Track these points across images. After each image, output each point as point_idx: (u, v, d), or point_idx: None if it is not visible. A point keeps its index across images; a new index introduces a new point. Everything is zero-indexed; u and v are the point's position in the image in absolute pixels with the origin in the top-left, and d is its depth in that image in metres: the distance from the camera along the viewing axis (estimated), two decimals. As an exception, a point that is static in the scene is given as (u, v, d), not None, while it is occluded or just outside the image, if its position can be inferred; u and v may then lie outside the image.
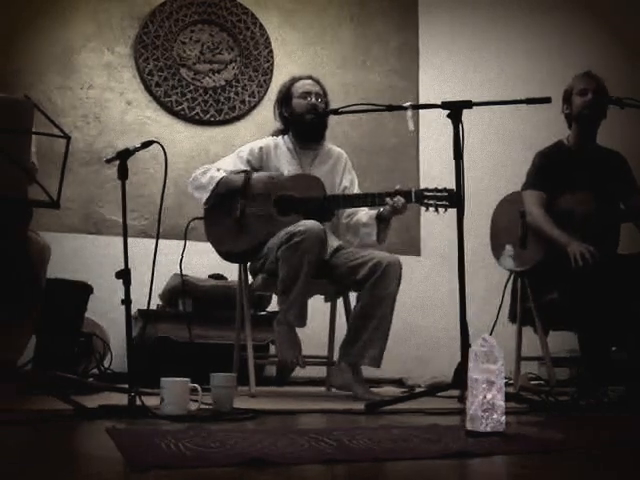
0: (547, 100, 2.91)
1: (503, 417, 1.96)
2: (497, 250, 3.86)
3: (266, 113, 5.01)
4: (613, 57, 5.80)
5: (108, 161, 2.75)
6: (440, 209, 3.35)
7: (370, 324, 3.33)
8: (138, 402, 2.36)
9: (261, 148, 3.66)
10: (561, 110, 3.78)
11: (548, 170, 3.70)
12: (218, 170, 3.57)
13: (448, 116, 2.87)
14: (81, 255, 4.55)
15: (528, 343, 3.92)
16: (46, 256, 2.94)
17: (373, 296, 3.34)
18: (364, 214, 3.63)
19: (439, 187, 3.37)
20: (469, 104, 2.88)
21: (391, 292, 3.33)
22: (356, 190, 3.73)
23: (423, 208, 3.39)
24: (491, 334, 2.00)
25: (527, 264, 3.70)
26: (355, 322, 3.40)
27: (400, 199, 3.38)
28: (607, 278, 3.25)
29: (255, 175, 3.53)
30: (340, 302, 3.75)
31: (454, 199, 2.90)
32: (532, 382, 4.19)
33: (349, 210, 3.68)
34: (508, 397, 2.02)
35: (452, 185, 2.98)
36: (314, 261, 3.26)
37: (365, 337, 3.33)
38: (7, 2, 4.69)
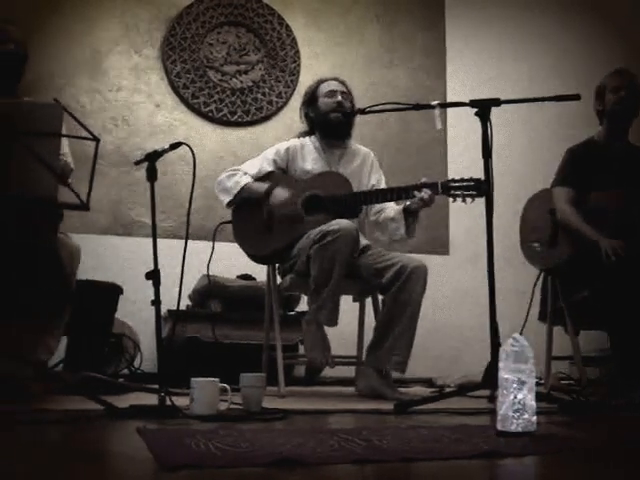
0: (576, 97, 2.88)
1: (534, 417, 1.94)
2: (526, 248, 3.84)
3: (293, 114, 5.01)
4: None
5: (137, 163, 2.76)
6: (468, 199, 3.32)
7: (395, 329, 3.32)
8: (168, 402, 2.37)
9: (287, 149, 3.67)
10: (593, 107, 3.74)
11: (578, 167, 3.66)
12: (245, 174, 3.58)
13: (476, 114, 2.85)
14: (111, 256, 4.59)
15: (559, 342, 3.88)
16: (76, 258, 2.97)
17: (398, 301, 3.33)
18: (391, 209, 3.63)
19: (465, 177, 3.35)
20: (497, 102, 2.85)
21: (416, 297, 3.32)
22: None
23: (451, 199, 3.36)
24: (521, 333, 1.97)
25: (556, 262, 3.66)
26: (380, 327, 3.40)
27: (427, 192, 3.36)
28: (638, 276, 3.22)
29: (278, 188, 3.53)
30: (369, 301, 3.74)
31: (481, 187, 2.87)
32: (563, 382, 4.15)
33: (377, 207, 3.67)
34: (539, 397, 2.01)
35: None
36: (346, 260, 3.25)
37: (390, 342, 3.33)
38: (37, 7, 4.74)
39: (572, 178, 3.65)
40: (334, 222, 3.27)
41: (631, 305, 3.18)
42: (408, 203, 3.49)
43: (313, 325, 3.29)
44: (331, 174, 3.59)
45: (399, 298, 3.32)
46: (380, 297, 3.53)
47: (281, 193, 3.51)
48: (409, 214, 3.52)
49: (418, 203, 3.41)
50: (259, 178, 3.60)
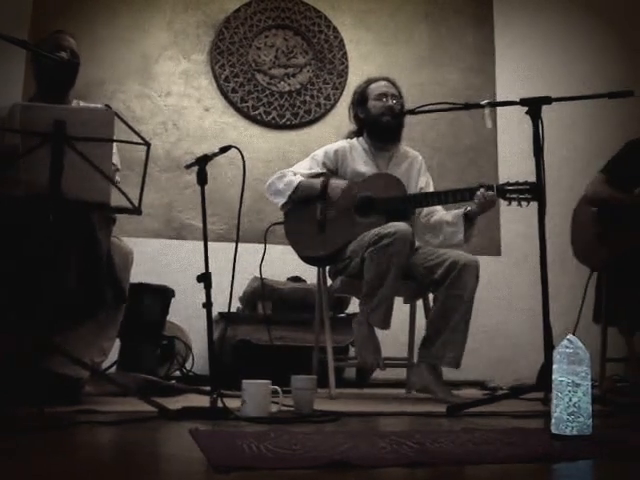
0: (630, 93, 2.81)
1: (590, 420, 1.91)
2: (577, 249, 3.78)
3: (342, 115, 4.99)
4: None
5: (187, 167, 2.79)
6: (523, 203, 3.27)
7: (449, 324, 3.29)
8: (220, 404, 2.39)
9: (336, 151, 3.66)
10: None
11: (629, 160, 3.59)
12: (295, 175, 3.58)
13: (527, 112, 2.81)
14: (163, 259, 4.64)
15: (613, 343, 3.81)
16: (129, 261, 3.01)
17: (451, 295, 3.29)
18: (446, 213, 3.59)
19: (520, 180, 3.30)
20: (548, 100, 2.81)
21: (469, 291, 3.28)
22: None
23: (505, 202, 3.33)
24: (574, 334, 1.94)
25: (605, 259, 3.59)
26: (433, 322, 3.36)
27: (489, 192, 3.32)
28: None
29: (333, 179, 3.52)
30: (419, 304, 3.72)
31: (537, 191, 2.84)
32: (618, 384, 4.07)
33: (427, 210, 3.65)
34: (594, 400, 1.97)
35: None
36: (402, 263, 3.24)
37: (444, 337, 3.29)
38: (88, 15, 4.82)
39: (617, 169, 3.59)
40: (390, 225, 3.25)
41: None
42: (469, 208, 3.45)
43: (364, 327, 3.28)
44: (384, 176, 3.57)
45: (452, 293, 3.28)
46: (431, 296, 3.50)
47: (338, 183, 3.50)
48: (468, 220, 3.48)
49: (478, 206, 3.38)
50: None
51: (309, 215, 3.53)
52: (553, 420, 1.93)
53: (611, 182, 3.56)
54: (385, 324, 3.27)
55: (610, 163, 3.66)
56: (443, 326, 3.30)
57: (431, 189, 3.72)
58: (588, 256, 3.75)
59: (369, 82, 3.71)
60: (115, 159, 3.10)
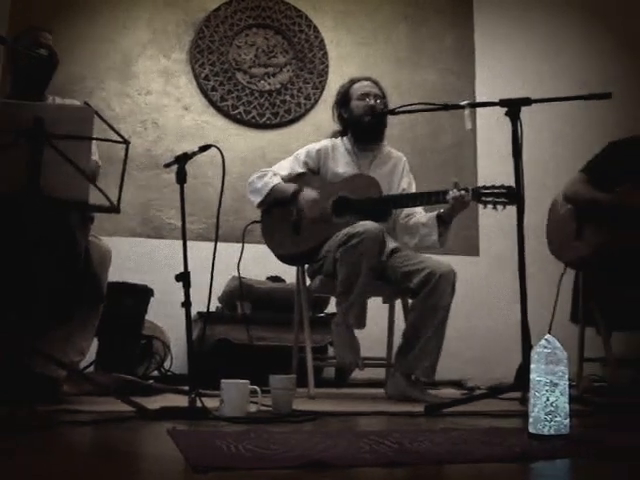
0: (607, 96, 2.83)
1: (567, 420, 1.92)
2: (553, 245, 3.80)
3: (322, 115, 5.02)
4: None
5: (167, 165, 2.78)
6: (499, 206, 3.29)
7: (424, 335, 3.30)
8: (198, 404, 2.38)
9: (319, 150, 3.66)
10: None
11: (610, 161, 3.60)
12: (275, 175, 3.58)
13: (506, 114, 2.82)
14: (141, 259, 4.62)
15: (590, 343, 3.84)
16: (107, 260, 2.99)
17: (426, 307, 3.30)
18: (423, 215, 3.60)
19: (497, 184, 3.32)
20: (528, 101, 2.82)
21: (445, 303, 3.29)
22: (414, 193, 3.70)
23: (481, 206, 3.34)
24: (549, 333, 1.95)
25: (581, 254, 3.61)
26: (409, 332, 3.37)
27: (463, 192, 3.33)
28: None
29: (305, 189, 3.52)
30: (399, 303, 3.72)
31: (513, 196, 2.85)
32: (595, 384, 4.10)
33: (407, 211, 3.66)
34: (571, 399, 1.98)
35: (511, 184, 2.93)
36: (373, 262, 3.24)
37: (418, 348, 3.30)
38: (68, 12, 4.79)
39: (598, 169, 3.60)
40: (359, 224, 3.26)
41: None
42: (441, 210, 3.46)
43: (342, 327, 3.28)
44: (361, 177, 3.58)
45: (428, 303, 3.30)
46: (410, 300, 3.51)
47: (310, 194, 3.51)
48: (442, 222, 3.49)
49: (451, 208, 3.39)
50: (290, 179, 3.60)
51: (285, 215, 3.54)
52: (531, 420, 1.94)
53: (591, 182, 3.58)
54: (359, 324, 3.28)
55: (591, 163, 3.68)
56: (418, 336, 3.31)
57: (413, 190, 3.73)
58: (564, 253, 3.76)
59: (352, 82, 3.72)
60: (96, 157, 3.09)
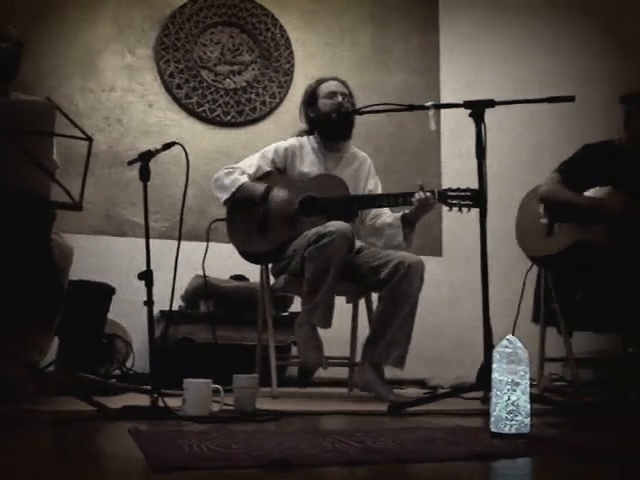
0: (571, 99, 2.86)
1: (528, 419, 1.94)
2: (523, 243, 3.82)
3: (287, 114, 5.02)
4: None
5: (130, 163, 2.75)
6: (464, 209, 3.31)
7: (394, 324, 3.30)
8: (160, 403, 2.36)
9: (286, 149, 3.66)
10: (623, 110, 3.72)
11: (584, 165, 3.64)
12: (243, 173, 3.57)
13: (470, 115, 2.84)
14: (103, 257, 4.58)
15: (551, 343, 3.88)
16: (69, 258, 2.96)
17: (396, 296, 3.31)
18: (389, 216, 3.62)
19: (462, 187, 3.34)
20: (491, 103, 2.85)
21: (414, 292, 3.31)
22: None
23: (446, 208, 3.36)
24: (513, 334, 1.97)
25: (553, 251, 3.64)
26: (378, 321, 3.36)
27: (429, 194, 3.34)
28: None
29: (275, 189, 3.52)
30: (362, 303, 3.73)
31: (477, 198, 2.87)
32: (555, 383, 4.15)
33: (374, 212, 3.67)
34: (533, 398, 2.00)
35: (474, 184, 2.95)
36: (341, 262, 3.25)
37: (389, 337, 3.30)
38: (30, 6, 4.72)
39: (572, 171, 3.63)
40: (330, 224, 3.26)
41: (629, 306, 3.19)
42: (406, 211, 3.48)
43: (306, 326, 3.27)
44: (329, 176, 3.58)
45: (398, 292, 3.30)
46: (375, 296, 3.52)
47: (278, 194, 3.50)
48: (407, 223, 3.51)
49: (415, 210, 3.41)
50: (257, 178, 3.59)
51: (251, 213, 3.53)
52: (492, 418, 1.95)
53: (564, 182, 3.61)
54: (326, 323, 3.27)
55: (565, 164, 3.71)
56: (388, 325, 3.31)
57: (379, 191, 3.74)
58: (533, 248, 3.78)
59: (320, 82, 3.72)
60: (54, 156, 3.05)
